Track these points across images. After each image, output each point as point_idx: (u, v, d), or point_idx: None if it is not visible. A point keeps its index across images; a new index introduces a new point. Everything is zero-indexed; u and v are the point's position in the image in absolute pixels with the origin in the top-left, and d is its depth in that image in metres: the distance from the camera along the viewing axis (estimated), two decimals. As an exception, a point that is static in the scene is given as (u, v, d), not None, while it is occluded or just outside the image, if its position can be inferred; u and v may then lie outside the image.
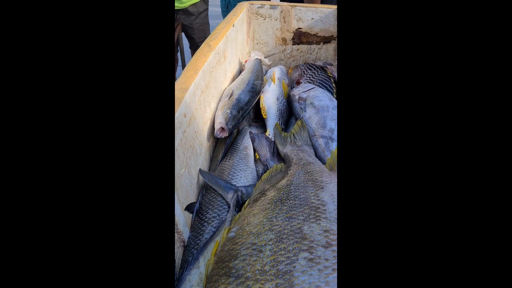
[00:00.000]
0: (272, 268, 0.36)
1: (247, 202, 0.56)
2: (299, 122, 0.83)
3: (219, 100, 0.86)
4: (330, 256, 0.37)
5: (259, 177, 0.73)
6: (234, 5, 1.56)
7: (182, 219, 0.56)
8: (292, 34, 1.25)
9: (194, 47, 2.05)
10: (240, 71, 1.08)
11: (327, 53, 1.28)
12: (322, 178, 0.56)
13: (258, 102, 0.92)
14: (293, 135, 0.80)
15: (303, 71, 1.10)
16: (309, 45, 1.27)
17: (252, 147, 0.80)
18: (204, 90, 0.70)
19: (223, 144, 0.81)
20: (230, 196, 0.62)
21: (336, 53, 1.27)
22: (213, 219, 0.60)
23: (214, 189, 0.66)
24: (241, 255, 0.39)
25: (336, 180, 0.55)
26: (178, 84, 0.59)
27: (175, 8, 1.83)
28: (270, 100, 0.93)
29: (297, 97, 0.92)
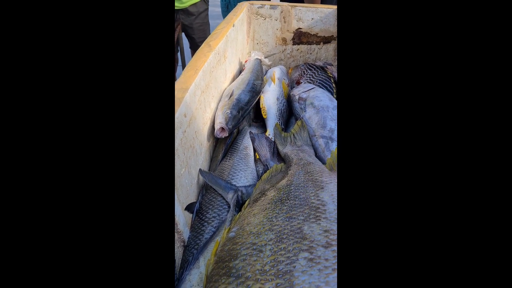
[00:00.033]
0: (272, 268, 0.36)
1: (247, 202, 0.56)
2: (299, 122, 0.83)
3: (219, 100, 0.86)
4: (330, 256, 0.37)
5: (259, 177, 0.73)
6: (234, 5, 1.56)
7: (182, 219, 0.56)
8: (292, 34, 1.25)
9: (194, 47, 2.05)
10: (240, 71, 1.08)
11: (327, 53, 1.28)
12: (322, 178, 0.56)
13: (258, 102, 0.92)
14: (293, 135, 0.80)
15: (303, 71, 1.10)
16: (309, 45, 1.27)
17: (252, 147, 0.80)
18: (204, 90, 0.70)
19: (223, 144, 0.81)
20: (230, 196, 0.62)
21: (336, 53, 1.27)
22: (213, 219, 0.60)
23: (214, 189, 0.66)
24: (241, 255, 0.39)
25: (336, 180, 0.55)
26: (178, 84, 0.59)
27: (175, 8, 1.83)
28: (270, 100, 0.93)
29: (297, 97, 0.92)
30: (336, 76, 1.03)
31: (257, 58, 1.08)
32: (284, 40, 1.26)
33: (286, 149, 0.76)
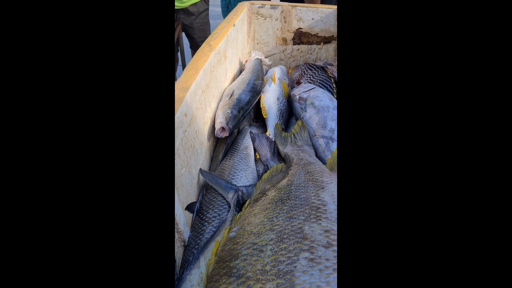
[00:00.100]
0: (273, 268, 0.36)
1: (247, 202, 0.56)
2: (299, 122, 0.83)
3: (220, 100, 0.86)
4: (331, 256, 0.37)
5: (259, 177, 0.73)
6: (235, 5, 1.56)
7: (182, 219, 0.56)
8: (293, 34, 1.25)
9: (195, 47, 2.05)
10: (240, 71, 1.08)
11: (328, 53, 1.28)
12: (322, 178, 0.56)
13: (258, 102, 0.92)
14: (294, 135, 0.80)
15: (304, 71, 1.10)
16: (309, 45, 1.27)
17: (252, 147, 0.80)
18: (205, 90, 0.70)
19: (224, 144, 0.81)
20: (230, 196, 0.62)
21: (336, 53, 1.27)
22: (213, 218, 0.60)
23: (214, 189, 0.66)
24: (242, 255, 0.39)
25: (337, 180, 0.55)
26: (179, 84, 0.59)
27: (176, 7, 1.83)
28: (270, 100, 0.93)
29: (297, 97, 0.92)
30: (337, 76, 1.03)
31: (257, 58, 1.08)
32: (284, 40, 1.26)
33: (286, 149, 0.76)
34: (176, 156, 0.52)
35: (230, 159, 0.76)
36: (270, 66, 1.16)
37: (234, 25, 0.97)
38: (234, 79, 1.02)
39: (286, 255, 0.38)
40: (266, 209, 0.49)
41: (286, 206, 0.48)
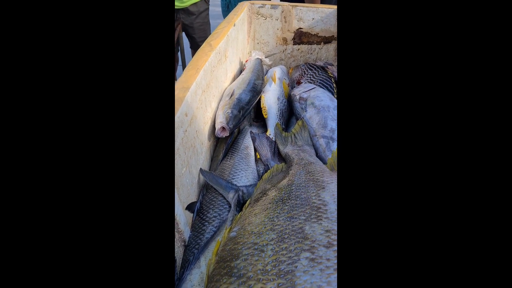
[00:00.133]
0: (274, 268, 0.36)
1: (248, 202, 0.56)
2: (300, 122, 0.83)
3: (220, 100, 0.86)
4: (331, 256, 0.37)
5: (260, 177, 0.73)
6: (235, 5, 1.56)
7: (183, 219, 0.56)
8: (293, 34, 1.25)
9: (195, 47, 2.05)
10: (241, 71, 1.08)
11: (328, 53, 1.28)
12: (323, 178, 0.56)
13: (258, 102, 0.92)
14: (294, 135, 0.80)
15: (304, 71, 1.10)
16: (309, 45, 1.27)
17: (253, 146, 0.80)
18: (205, 90, 0.70)
19: (224, 144, 0.81)
20: (231, 196, 0.62)
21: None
22: (214, 218, 0.60)
23: (214, 189, 0.66)
24: (242, 255, 0.39)
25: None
26: (179, 83, 0.59)
27: (176, 7, 1.83)
28: (271, 100, 0.93)
29: (297, 97, 0.92)
30: (337, 76, 1.03)
31: (257, 58, 1.08)
32: (284, 40, 1.26)
33: (287, 149, 0.75)
34: (176, 156, 0.52)
35: (230, 159, 0.76)
36: (270, 66, 1.16)
37: (234, 25, 0.97)
38: (234, 79, 1.02)
39: (287, 255, 0.38)
40: (267, 209, 0.49)
41: (286, 206, 0.48)
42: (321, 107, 0.85)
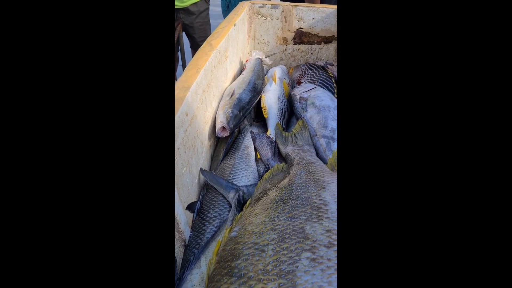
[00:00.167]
0: (274, 268, 0.36)
1: (248, 202, 0.55)
2: (300, 122, 0.83)
3: (220, 99, 0.86)
4: (332, 256, 0.36)
5: (260, 176, 0.73)
6: (235, 5, 1.56)
7: (183, 219, 0.56)
8: (293, 34, 1.24)
9: (195, 47, 2.05)
10: (241, 71, 1.08)
11: (328, 53, 1.28)
12: (324, 178, 0.56)
13: (259, 102, 0.92)
14: (294, 134, 0.80)
15: (304, 71, 1.10)
16: (310, 45, 1.27)
17: (253, 146, 0.80)
18: (205, 89, 0.70)
19: (224, 144, 0.81)
20: (231, 196, 0.62)
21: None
22: (214, 218, 0.60)
23: (215, 189, 0.66)
24: (243, 255, 0.39)
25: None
26: (180, 83, 0.59)
27: (176, 7, 1.83)
28: (271, 100, 0.93)
29: (298, 96, 0.92)
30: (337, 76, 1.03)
31: (258, 58, 1.08)
32: (285, 40, 1.26)
33: (287, 149, 0.75)
34: (177, 156, 0.52)
35: (230, 158, 0.76)
36: (270, 66, 1.16)
37: (234, 25, 0.97)
38: (234, 78, 1.01)
39: (288, 255, 0.37)
40: (268, 208, 0.49)
41: (287, 206, 0.48)
42: (322, 107, 0.85)
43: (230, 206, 0.61)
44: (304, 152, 0.72)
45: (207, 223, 0.59)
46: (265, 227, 0.43)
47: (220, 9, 1.96)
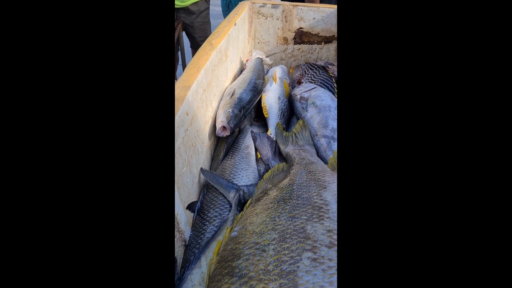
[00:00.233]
0: (275, 268, 0.36)
1: (249, 202, 0.55)
2: (300, 122, 0.83)
3: (221, 99, 0.85)
4: (333, 256, 0.36)
5: (260, 176, 0.73)
6: (235, 4, 1.56)
7: (183, 218, 0.56)
8: (294, 34, 1.24)
9: (195, 46, 2.04)
10: (241, 70, 1.08)
11: (329, 53, 1.28)
12: (324, 178, 0.56)
13: (259, 101, 0.92)
14: (295, 134, 0.80)
15: (304, 71, 1.10)
16: (310, 45, 1.27)
17: (253, 146, 0.80)
18: (206, 89, 0.70)
19: (225, 143, 0.81)
20: (232, 195, 0.62)
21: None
22: (214, 218, 0.59)
23: (215, 188, 0.65)
24: (244, 255, 0.39)
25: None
26: (180, 82, 0.59)
27: (176, 6, 1.82)
28: (271, 100, 0.93)
29: (298, 96, 0.92)
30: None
31: (258, 57, 1.08)
32: (285, 40, 1.26)
33: (288, 149, 0.75)
34: (177, 155, 0.52)
35: (231, 158, 0.75)
36: (271, 66, 1.16)
37: (235, 24, 0.96)
38: (235, 78, 1.01)
39: (289, 255, 0.37)
40: (268, 208, 0.48)
41: (288, 205, 0.48)
42: (322, 107, 0.85)
43: (231, 206, 0.61)
44: (305, 152, 0.72)
45: (207, 222, 0.59)
46: (266, 227, 0.43)
47: (220, 8, 1.96)
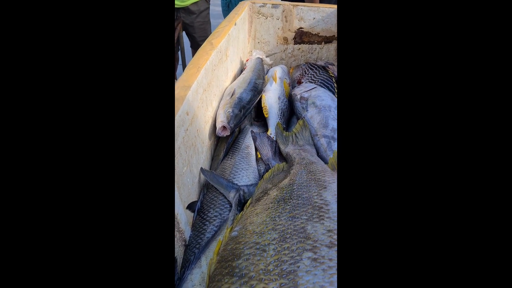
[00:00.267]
0: (276, 268, 0.36)
1: (249, 201, 0.55)
2: (300, 122, 0.83)
3: (221, 99, 0.85)
4: (334, 256, 0.36)
5: (260, 176, 0.73)
6: (235, 4, 1.56)
7: (183, 218, 0.56)
8: (294, 34, 1.24)
9: (195, 46, 2.04)
10: (241, 70, 1.08)
11: (329, 53, 1.28)
12: (324, 178, 0.56)
13: (259, 101, 0.92)
14: (295, 134, 0.80)
15: (305, 71, 1.10)
16: (310, 45, 1.27)
17: (253, 146, 0.80)
18: (206, 89, 0.70)
19: (225, 143, 0.81)
20: (232, 195, 0.62)
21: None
22: (214, 218, 0.59)
23: (215, 188, 0.65)
24: (244, 255, 0.39)
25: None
26: (180, 82, 0.59)
27: (176, 6, 1.82)
28: (271, 99, 0.93)
29: (298, 96, 0.92)
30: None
31: (258, 57, 1.08)
32: (285, 40, 1.26)
33: (288, 149, 0.75)
34: (177, 155, 0.52)
35: (231, 158, 0.75)
36: (271, 66, 1.16)
37: (235, 24, 0.96)
38: (235, 78, 1.01)
39: (289, 254, 0.37)
40: (268, 208, 0.48)
41: (288, 205, 0.48)
42: (322, 107, 0.85)
43: (231, 206, 0.61)
44: (305, 152, 0.72)
45: (207, 222, 0.59)
46: (266, 227, 0.43)
47: (220, 8, 1.96)
